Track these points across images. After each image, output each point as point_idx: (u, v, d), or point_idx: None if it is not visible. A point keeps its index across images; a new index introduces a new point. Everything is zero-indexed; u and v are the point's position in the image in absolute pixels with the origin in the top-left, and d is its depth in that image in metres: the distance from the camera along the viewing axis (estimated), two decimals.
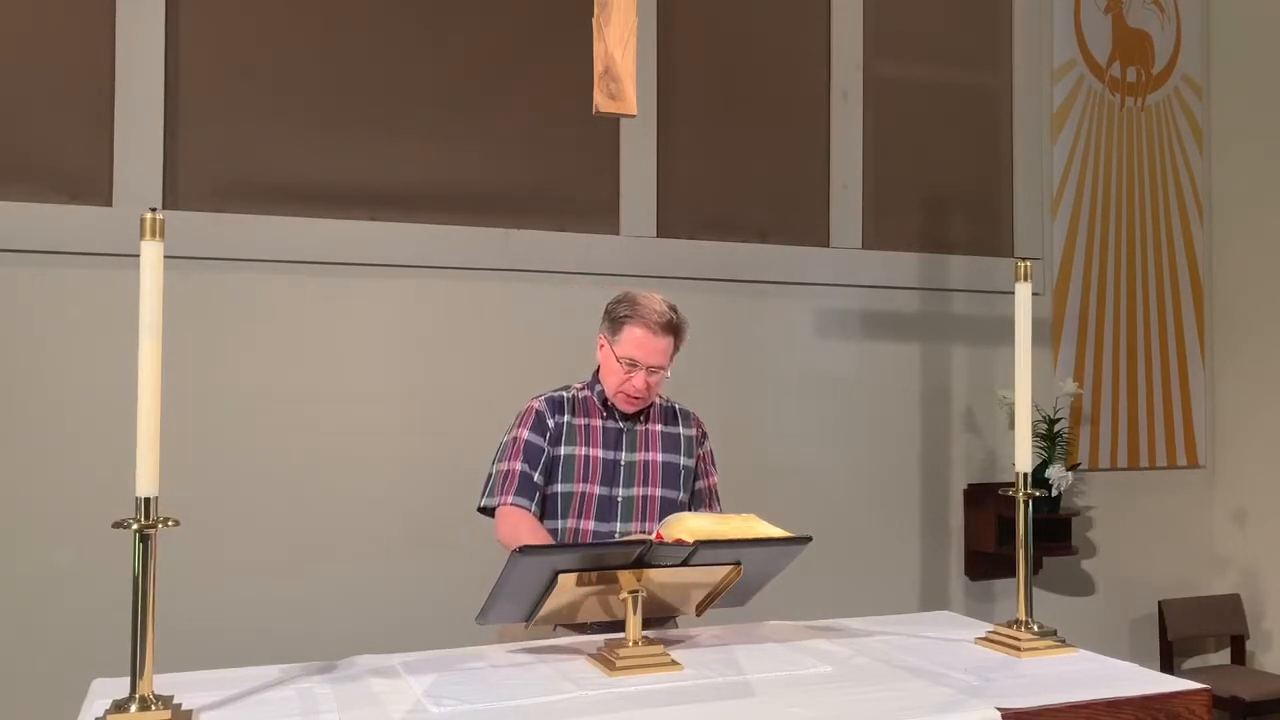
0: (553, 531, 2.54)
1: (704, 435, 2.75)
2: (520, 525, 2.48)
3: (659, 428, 2.66)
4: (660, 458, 2.62)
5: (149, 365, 1.75)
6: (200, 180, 3.49)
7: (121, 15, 3.39)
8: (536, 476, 2.56)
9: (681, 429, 2.69)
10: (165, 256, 1.78)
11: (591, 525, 2.55)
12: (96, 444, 3.26)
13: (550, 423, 2.59)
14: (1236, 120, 4.88)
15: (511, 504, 2.53)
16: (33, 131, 3.34)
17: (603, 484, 2.57)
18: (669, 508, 2.57)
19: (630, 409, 2.60)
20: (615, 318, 2.58)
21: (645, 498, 2.58)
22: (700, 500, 2.71)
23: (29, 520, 3.26)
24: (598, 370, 2.66)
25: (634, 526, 2.55)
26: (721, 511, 2.71)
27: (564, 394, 2.65)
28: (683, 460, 2.65)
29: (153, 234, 1.76)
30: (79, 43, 3.39)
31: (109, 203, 3.38)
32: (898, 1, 4.44)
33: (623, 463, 2.59)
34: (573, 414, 2.61)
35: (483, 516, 2.62)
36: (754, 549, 2.14)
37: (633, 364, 2.53)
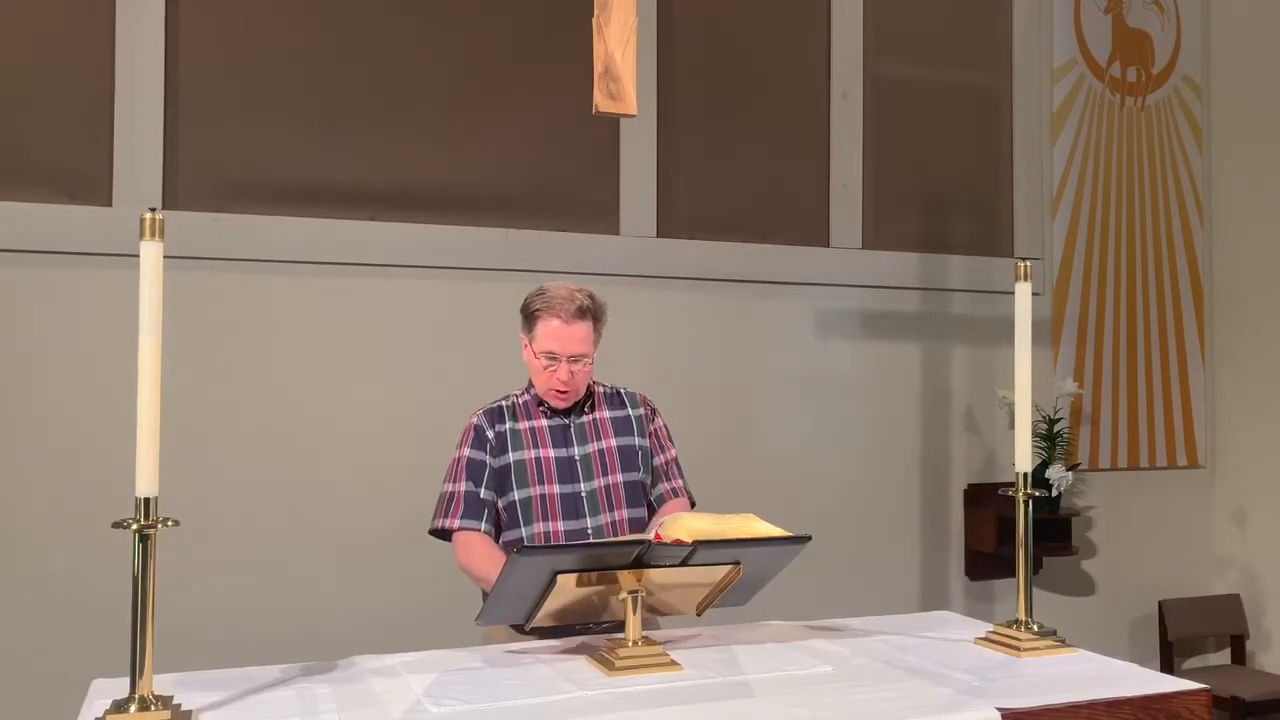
0: (519, 539, 2.49)
1: (654, 411, 2.70)
2: (472, 550, 2.46)
3: (606, 414, 2.62)
4: (614, 443, 2.58)
5: (149, 365, 1.75)
6: (200, 180, 3.50)
7: (121, 15, 3.39)
8: (483, 493, 2.52)
9: (630, 410, 2.65)
10: (165, 256, 1.78)
11: (561, 525, 2.49)
12: (96, 444, 3.27)
13: (490, 434, 2.54)
14: (1236, 120, 4.88)
15: (460, 528, 2.50)
16: (33, 131, 3.34)
17: (562, 482, 2.52)
18: (634, 490, 2.55)
19: (563, 404, 2.55)
20: (529, 313, 2.52)
21: (608, 486, 2.54)
22: (661, 476, 2.66)
23: (29, 520, 3.26)
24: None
25: (604, 518, 2.51)
26: (685, 483, 2.70)
27: (503, 403, 2.61)
28: (637, 440, 2.61)
29: (152, 234, 1.76)
30: (79, 43, 3.39)
31: (109, 203, 3.38)
32: (898, 1, 4.44)
33: (577, 457, 2.55)
34: (514, 420, 2.56)
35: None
36: (753, 548, 2.13)
37: (552, 357, 2.47)
